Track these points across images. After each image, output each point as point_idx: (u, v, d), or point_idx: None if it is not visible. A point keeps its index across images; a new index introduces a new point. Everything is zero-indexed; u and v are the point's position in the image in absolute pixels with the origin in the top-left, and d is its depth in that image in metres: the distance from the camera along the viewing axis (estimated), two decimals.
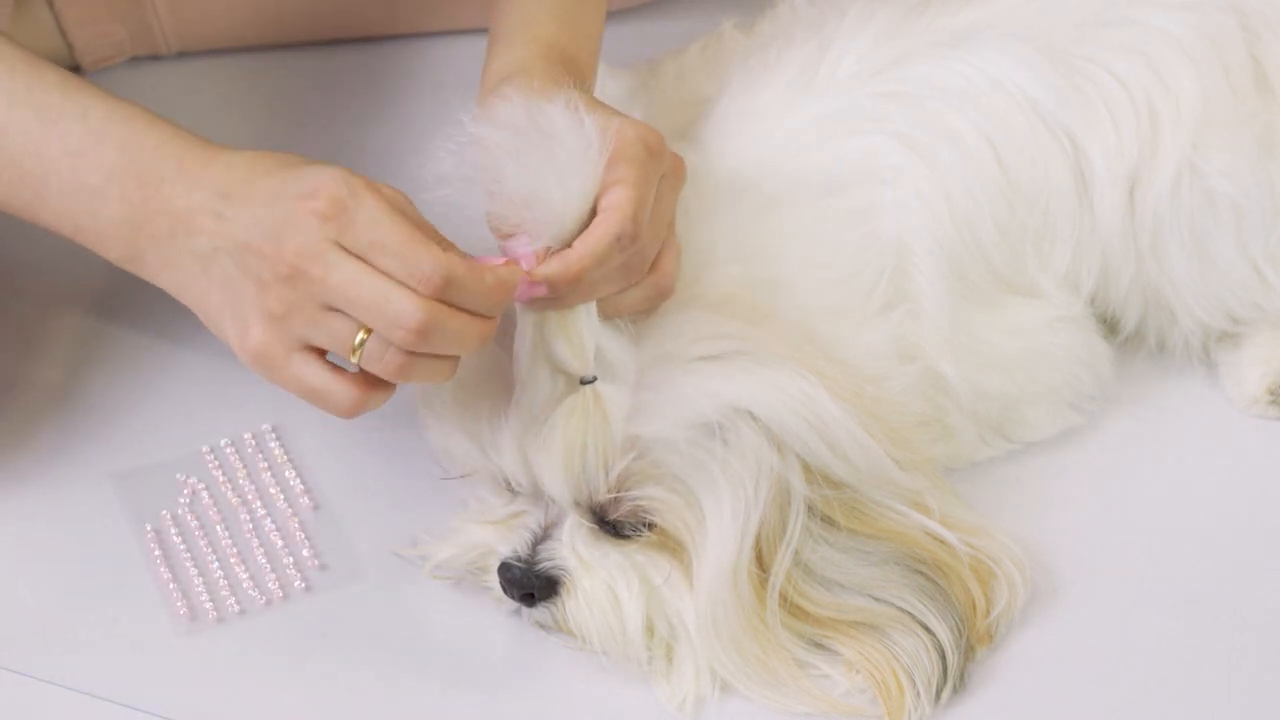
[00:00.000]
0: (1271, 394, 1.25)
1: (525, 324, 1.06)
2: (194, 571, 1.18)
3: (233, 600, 1.16)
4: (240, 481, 1.23)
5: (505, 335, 1.09)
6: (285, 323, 1.03)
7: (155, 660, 1.13)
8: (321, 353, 1.05)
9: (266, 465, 1.24)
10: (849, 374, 1.11)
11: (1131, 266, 1.22)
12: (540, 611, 1.11)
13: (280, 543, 1.19)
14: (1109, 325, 1.26)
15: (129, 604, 1.16)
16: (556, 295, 1.04)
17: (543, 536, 1.11)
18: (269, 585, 1.17)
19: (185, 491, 1.22)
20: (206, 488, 1.22)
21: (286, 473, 1.23)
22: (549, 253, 1.04)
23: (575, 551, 1.10)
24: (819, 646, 1.09)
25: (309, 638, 1.14)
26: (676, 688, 1.10)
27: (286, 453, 1.24)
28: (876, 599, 1.09)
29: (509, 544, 1.12)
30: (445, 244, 1.04)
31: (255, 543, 1.19)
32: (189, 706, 1.11)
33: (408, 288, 1.01)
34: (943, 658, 1.08)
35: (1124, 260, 1.22)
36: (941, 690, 1.08)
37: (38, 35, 1.47)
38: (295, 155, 1.07)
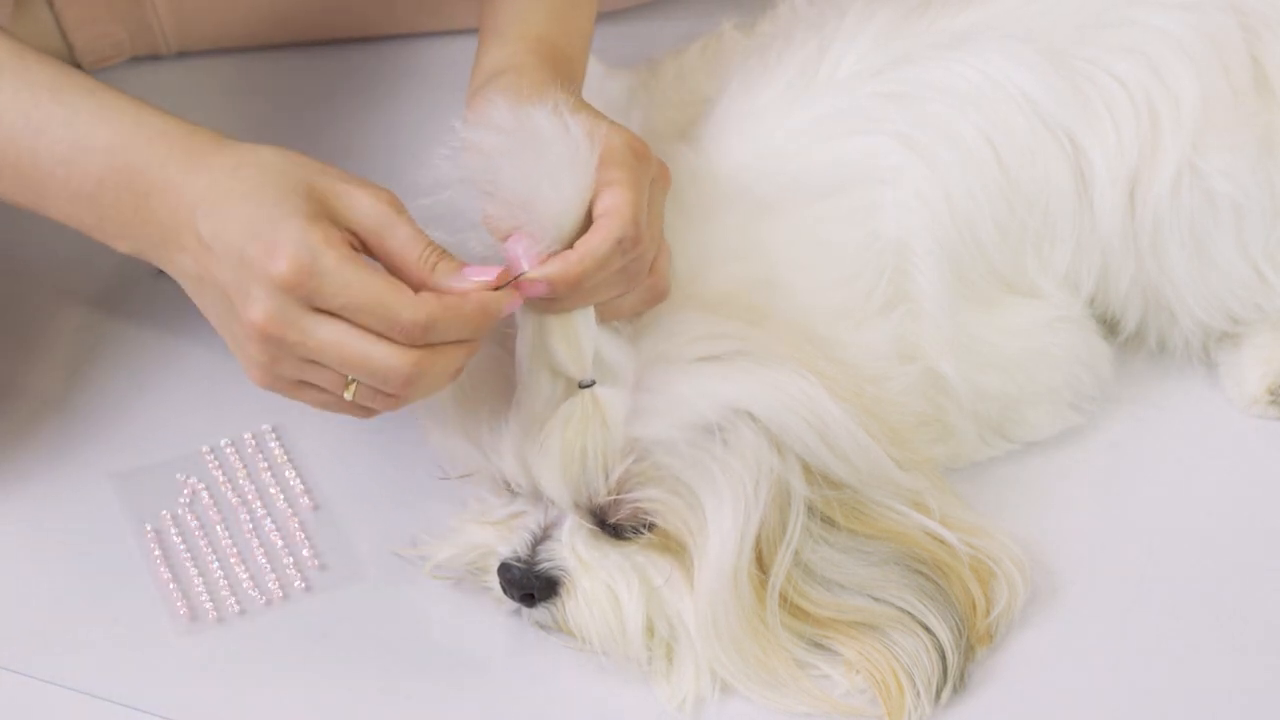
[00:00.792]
0: (1271, 394, 1.25)
1: (525, 327, 1.07)
2: (194, 571, 1.18)
3: (233, 600, 1.16)
4: (240, 481, 1.23)
5: (507, 337, 1.09)
6: (275, 369, 1.04)
7: (155, 660, 1.13)
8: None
9: (266, 465, 1.24)
10: (849, 374, 1.11)
11: (1131, 267, 1.22)
12: (540, 612, 1.11)
13: (280, 543, 1.19)
14: (1109, 326, 1.26)
15: (129, 604, 1.16)
16: (556, 296, 1.04)
17: (542, 537, 1.11)
18: (269, 585, 1.17)
19: (185, 491, 1.22)
20: (206, 488, 1.22)
21: (286, 473, 1.23)
22: (550, 255, 1.04)
23: (575, 552, 1.10)
24: (819, 647, 1.09)
25: (309, 638, 1.14)
26: (676, 688, 1.10)
27: (286, 453, 1.24)
28: (876, 599, 1.09)
29: (509, 544, 1.12)
30: (433, 253, 1.03)
31: (255, 543, 1.19)
32: (189, 706, 1.11)
33: (388, 340, 1.01)
34: (943, 658, 1.08)
35: (1124, 260, 1.22)
36: (941, 690, 1.08)
37: (38, 35, 1.47)
38: (279, 159, 1.05)
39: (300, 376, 1.04)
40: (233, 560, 1.18)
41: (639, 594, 1.09)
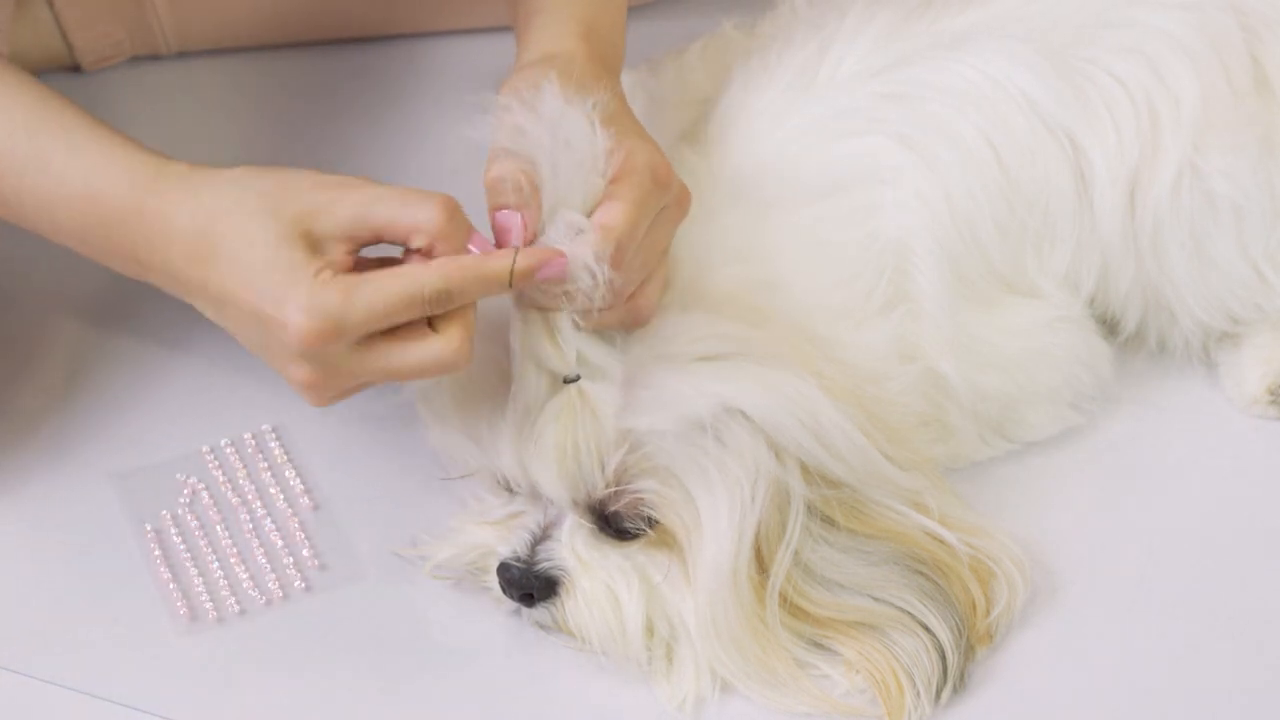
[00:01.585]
0: (1271, 394, 1.25)
1: (515, 323, 1.07)
2: (194, 571, 1.18)
3: (233, 600, 1.16)
4: (240, 481, 1.23)
5: (504, 335, 1.09)
6: (321, 388, 1.05)
7: (155, 660, 1.13)
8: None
9: (266, 465, 1.24)
10: (848, 374, 1.11)
11: (1132, 267, 1.22)
12: (540, 612, 1.11)
13: (280, 543, 1.19)
14: (1109, 326, 1.26)
15: (129, 604, 1.16)
16: (519, 288, 1.05)
17: (542, 537, 1.11)
18: (269, 585, 1.17)
19: (185, 491, 1.22)
20: (206, 488, 1.22)
21: (286, 473, 1.23)
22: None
23: (574, 551, 1.10)
24: (819, 647, 1.09)
25: (309, 638, 1.14)
26: (676, 688, 1.10)
27: (286, 453, 1.24)
28: (876, 599, 1.09)
29: (508, 544, 1.12)
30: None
31: (255, 543, 1.19)
32: (189, 706, 1.11)
33: (425, 335, 1.03)
34: (943, 658, 1.08)
35: (1124, 261, 1.22)
36: (941, 690, 1.08)
37: (38, 35, 1.47)
38: (249, 198, 1.05)
39: (346, 389, 1.06)
40: (233, 560, 1.18)
41: (639, 593, 1.09)
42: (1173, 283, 1.22)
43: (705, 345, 1.09)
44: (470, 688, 1.12)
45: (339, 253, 1.04)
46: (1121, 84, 1.21)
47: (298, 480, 1.23)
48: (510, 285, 1.03)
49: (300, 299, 1.01)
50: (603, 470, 1.08)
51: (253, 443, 1.25)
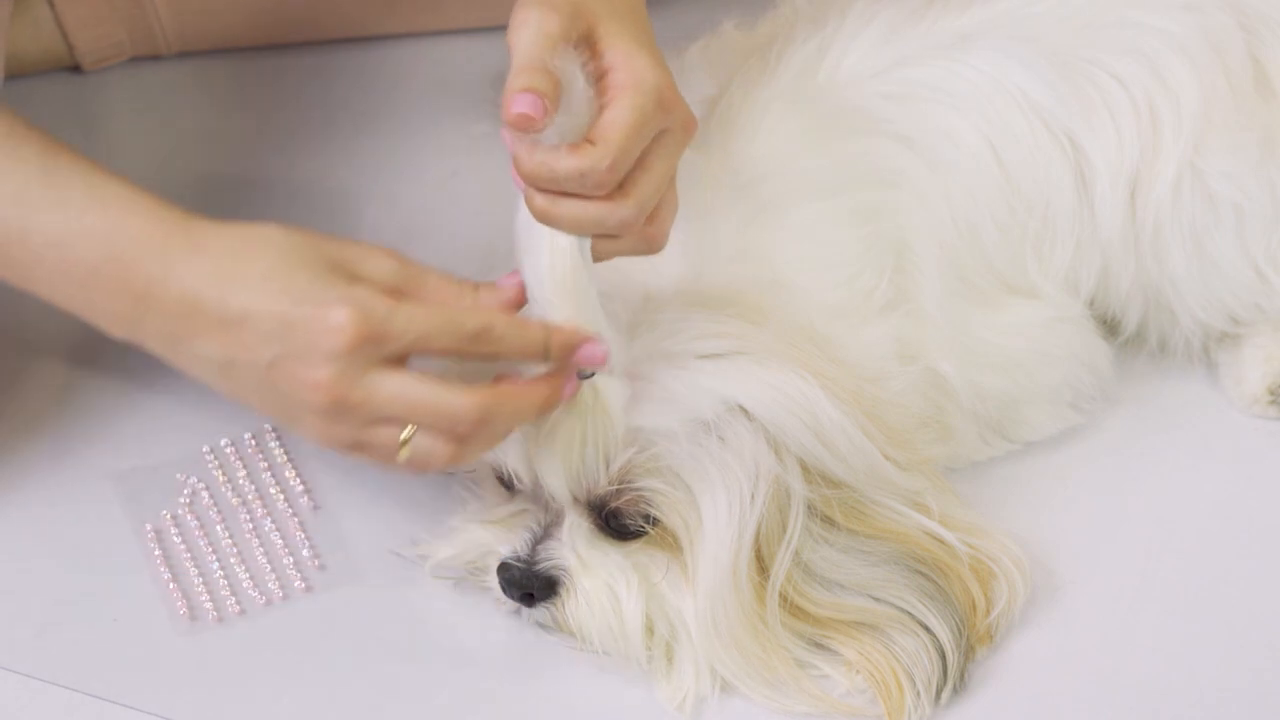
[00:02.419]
0: (1271, 394, 1.25)
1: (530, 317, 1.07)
2: (194, 571, 1.18)
3: (233, 600, 1.16)
4: (240, 481, 1.23)
5: None
6: (335, 432, 1.04)
7: (155, 660, 1.13)
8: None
9: (266, 465, 1.24)
10: (849, 374, 1.11)
11: (1132, 268, 1.22)
12: (540, 611, 1.11)
13: (280, 543, 1.19)
14: (1110, 326, 1.26)
15: (129, 604, 1.16)
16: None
17: (542, 536, 1.11)
18: (269, 585, 1.17)
19: (185, 491, 1.22)
20: (206, 488, 1.22)
21: (286, 473, 1.23)
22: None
23: (575, 551, 1.10)
24: (819, 647, 1.09)
25: (309, 638, 1.14)
26: (676, 687, 1.10)
27: (286, 453, 1.24)
28: (877, 599, 1.09)
29: (509, 544, 1.12)
30: (466, 284, 1.05)
31: (255, 543, 1.19)
32: (189, 706, 1.11)
33: (454, 388, 1.01)
34: (943, 658, 1.08)
35: (1125, 261, 1.22)
36: (941, 690, 1.08)
37: (38, 35, 1.47)
38: (285, 235, 1.04)
39: (361, 437, 1.04)
40: (233, 560, 1.18)
41: (639, 593, 1.09)
42: (1173, 283, 1.22)
43: (706, 344, 1.09)
44: (470, 687, 1.12)
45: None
46: (1122, 84, 1.21)
47: (298, 480, 1.23)
48: (547, 358, 1.04)
49: (346, 297, 1.00)
50: (607, 467, 1.08)
51: (253, 443, 1.25)
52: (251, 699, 1.11)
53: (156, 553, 1.18)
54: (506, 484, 1.13)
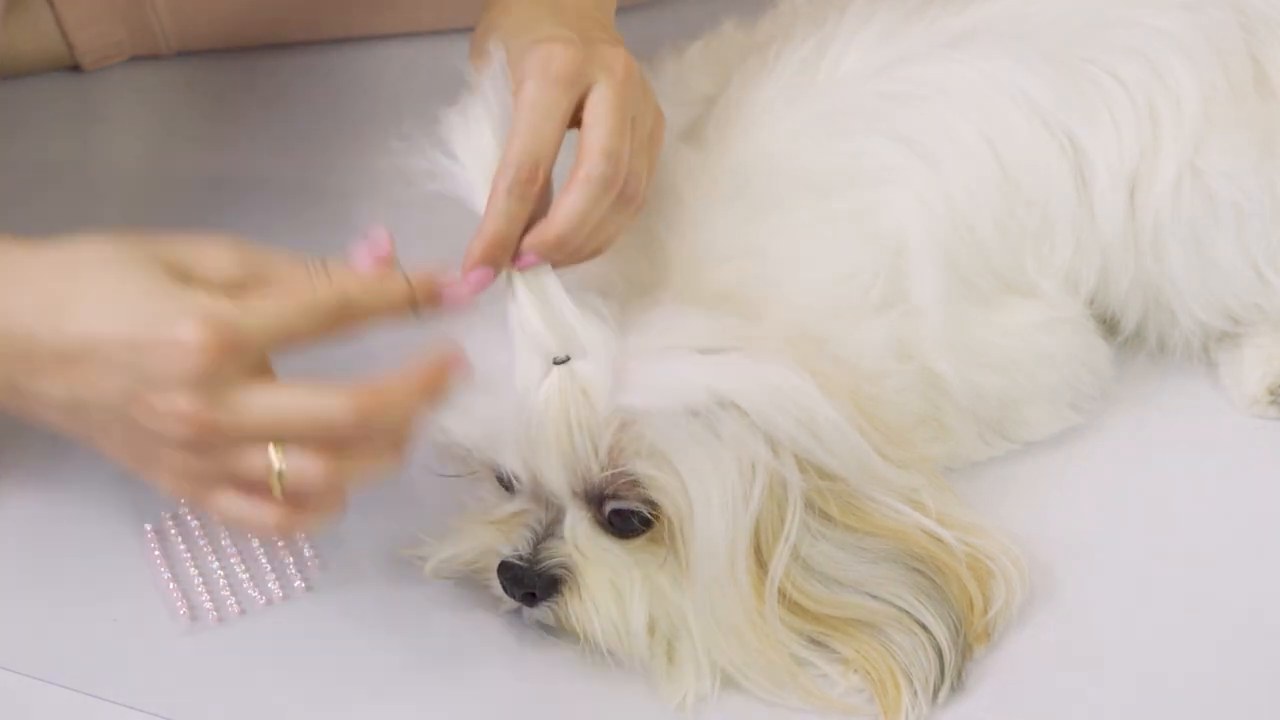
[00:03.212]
0: (1271, 394, 1.25)
1: (509, 305, 1.07)
2: (194, 571, 1.18)
3: (233, 600, 1.16)
4: None
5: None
6: (200, 467, 0.97)
7: (155, 660, 1.13)
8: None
9: None
10: (845, 372, 1.11)
11: (1131, 267, 1.22)
12: (542, 610, 1.11)
13: (280, 543, 1.19)
14: (1109, 326, 1.26)
15: (129, 604, 1.16)
16: (556, 258, 1.05)
17: (544, 535, 1.11)
18: (269, 585, 1.17)
19: None
20: None
21: None
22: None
23: (577, 549, 1.10)
24: (817, 644, 1.09)
25: (309, 638, 1.14)
26: (677, 686, 1.10)
27: None
28: (874, 597, 1.09)
29: (510, 543, 1.12)
30: (313, 261, 0.99)
31: (255, 543, 1.19)
32: (189, 706, 1.11)
33: (330, 391, 0.95)
34: (940, 656, 1.08)
35: (1124, 261, 1.22)
36: (939, 689, 1.08)
37: (38, 35, 1.47)
38: (105, 247, 0.95)
39: (228, 467, 0.96)
40: (233, 560, 1.18)
41: (642, 590, 1.09)
42: (1173, 283, 1.22)
43: (701, 340, 1.09)
44: (471, 688, 1.12)
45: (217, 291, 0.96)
46: (1122, 84, 1.21)
47: None
48: (415, 310, 1.00)
49: (192, 309, 0.92)
50: (596, 452, 1.07)
51: None
52: (251, 699, 1.11)
53: (156, 553, 1.18)
54: (506, 484, 1.13)
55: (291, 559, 1.18)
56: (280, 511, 0.98)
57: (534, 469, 1.09)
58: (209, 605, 1.16)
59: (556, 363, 1.06)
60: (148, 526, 1.20)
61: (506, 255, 1.05)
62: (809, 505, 1.08)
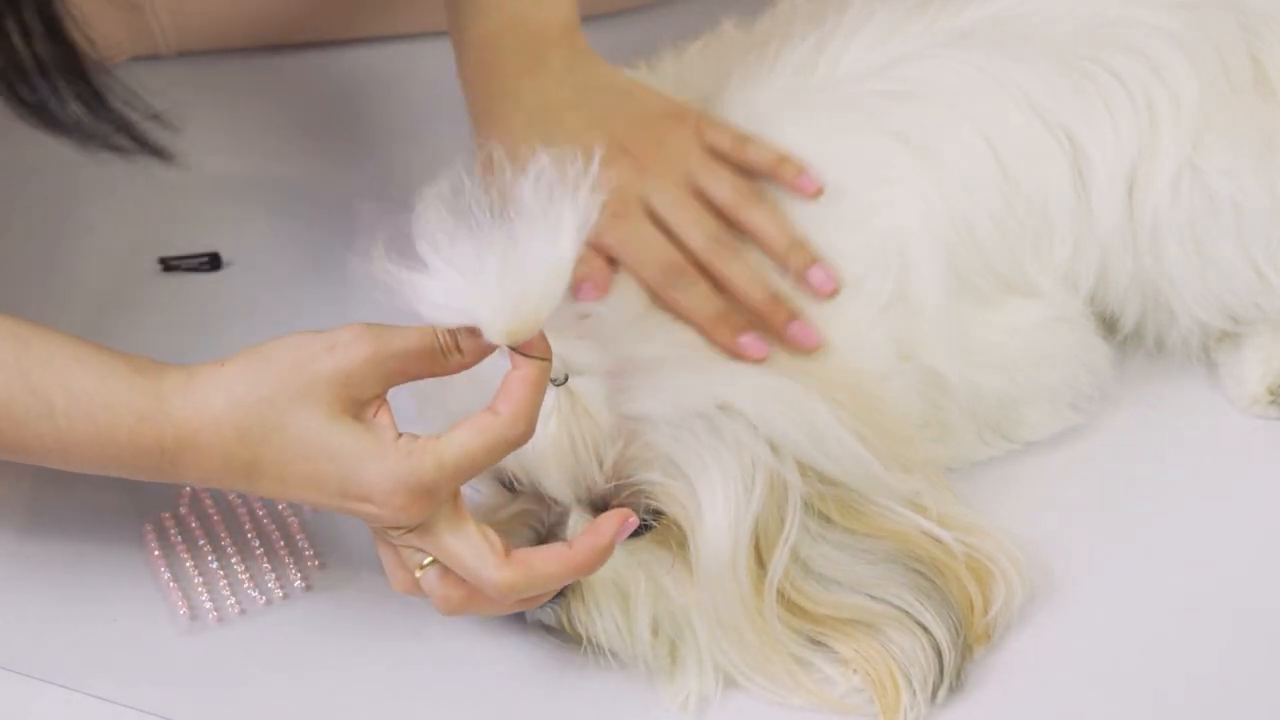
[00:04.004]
0: (1271, 394, 1.25)
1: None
2: (194, 571, 1.18)
3: (233, 600, 1.16)
4: None
5: None
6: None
7: (155, 660, 1.13)
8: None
9: None
10: (846, 373, 1.11)
11: (1130, 266, 1.22)
12: (544, 612, 1.11)
13: (280, 543, 1.19)
14: (1108, 325, 1.26)
15: (129, 604, 1.16)
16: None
17: (546, 536, 1.11)
18: (269, 585, 1.17)
19: (185, 491, 1.22)
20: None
21: None
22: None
23: None
24: (817, 644, 1.09)
25: (309, 638, 1.14)
26: (680, 686, 1.10)
27: None
28: (873, 597, 1.08)
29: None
30: (445, 333, 1.02)
31: (255, 543, 1.19)
32: (189, 706, 1.11)
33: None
34: (939, 657, 1.08)
35: (1123, 260, 1.22)
36: (938, 690, 1.08)
37: None
38: (265, 376, 1.02)
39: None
40: (233, 560, 1.18)
41: (645, 591, 1.09)
42: (1172, 281, 1.22)
43: (705, 345, 1.09)
44: (471, 688, 1.12)
45: (377, 404, 1.03)
46: (1121, 82, 1.21)
47: None
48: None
49: (387, 483, 1.00)
50: (600, 465, 1.08)
51: None
52: (251, 699, 1.11)
53: (156, 553, 1.18)
54: (507, 485, 1.13)
55: (291, 559, 1.18)
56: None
57: (536, 480, 1.09)
58: (209, 605, 1.16)
59: (555, 384, 1.06)
60: (148, 526, 1.20)
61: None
62: (808, 507, 1.08)
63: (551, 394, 1.06)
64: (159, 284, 1.36)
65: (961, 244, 1.18)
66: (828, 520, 1.09)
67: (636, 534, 1.09)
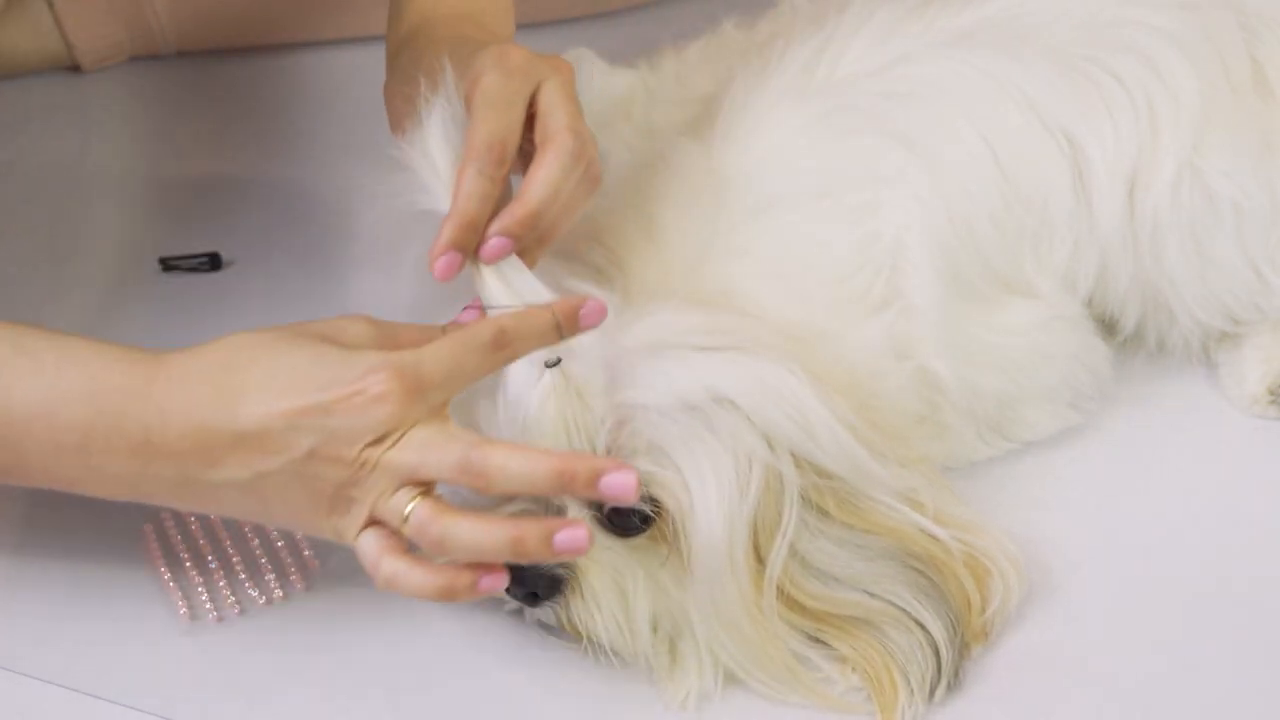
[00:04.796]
0: (1271, 394, 1.25)
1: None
2: (194, 571, 1.18)
3: (233, 600, 1.16)
4: None
5: None
6: (351, 517, 1.02)
7: (155, 660, 1.13)
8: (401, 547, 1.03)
9: None
10: (843, 371, 1.11)
11: (1130, 266, 1.22)
12: (544, 610, 1.11)
13: (280, 543, 1.19)
14: (1108, 326, 1.26)
15: (129, 604, 1.16)
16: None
17: None
18: (269, 585, 1.17)
19: None
20: None
21: None
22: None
23: None
24: (815, 641, 1.09)
25: (309, 638, 1.14)
26: (680, 684, 1.10)
27: None
28: (871, 594, 1.08)
29: None
30: (433, 326, 1.05)
31: (255, 543, 1.19)
32: (189, 706, 1.11)
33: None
34: (937, 654, 1.08)
35: (1123, 260, 1.22)
36: (936, 687, 1.08)
37: (37, 35, 1.47)
38: (257, 336, 1.03)
39: (376, 510, 1.02)
40: (233, 560, 1.18)
41: (644, 588, 1.09)
42: (1172, 282, 1.22)
43: (699, 337, 1.09)
44: (471, 688, 1.12)
45: None
46: (1120, 82, 1.21)
47: None
48: (559, 334, 1.04)
49: (373, 364, 0.99)
50: (594, 452, 1.07)
51: None
52: (251, 699, 1.11)
53: (156, 553, 1.18)
54: None
55: (291, 559, 1.18)
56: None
57: None
58: (209, 605, 1.16)
59: (548, 366, 1.06)
60: (148, 526, 1.20)
61: (475, 238, 1.07)
62: (806, 501, 1.08)
63: (546, 376, 1.06)
64: (159, 284, 1.37)
65: (960, 244, 1.18)
66: (825, 514, 1.09)
67: (634, 530, 1.10)
